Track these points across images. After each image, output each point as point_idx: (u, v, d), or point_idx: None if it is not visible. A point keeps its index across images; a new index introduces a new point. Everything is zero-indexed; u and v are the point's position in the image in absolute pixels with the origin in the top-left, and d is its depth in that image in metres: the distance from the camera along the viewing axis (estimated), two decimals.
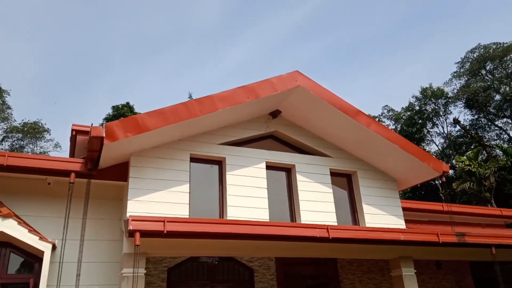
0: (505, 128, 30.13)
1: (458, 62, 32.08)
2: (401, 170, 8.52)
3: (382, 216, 8.24)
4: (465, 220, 10.55)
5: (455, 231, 7.67)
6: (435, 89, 31.77)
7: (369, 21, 60.34)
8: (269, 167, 7.75)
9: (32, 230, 6.17)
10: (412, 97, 32.75)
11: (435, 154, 31.14)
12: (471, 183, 20.20)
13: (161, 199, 6.54)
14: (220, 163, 7.42)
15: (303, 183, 7.79)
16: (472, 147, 28.48)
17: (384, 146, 8.00)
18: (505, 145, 25.04)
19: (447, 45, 54.74)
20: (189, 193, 6.89)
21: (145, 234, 5.48)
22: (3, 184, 6.47)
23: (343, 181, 8.56)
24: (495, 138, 30.64)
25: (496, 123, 30.54)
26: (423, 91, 31.94)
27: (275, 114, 8.00)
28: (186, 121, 6.45)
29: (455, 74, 32.17)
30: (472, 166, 20.30)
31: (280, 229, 6.23)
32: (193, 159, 7.19)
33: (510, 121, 29.79)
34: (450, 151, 30.82)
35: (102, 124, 5.72)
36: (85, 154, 6.52)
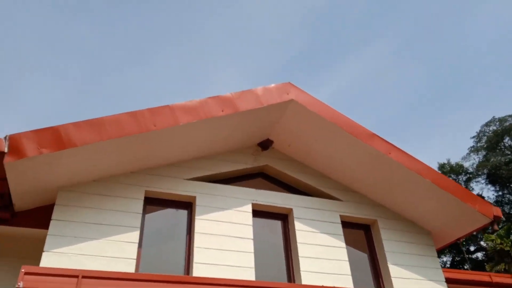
0: None
1: (474, 137, 31.86)
2: (437, 218, 6.39)
3: (416, 281, 5.94)
4: None
5: None
6: (454, 165, 30.69)
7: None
8: (257, 212, 5.75)
9: None
10: None
11: None
12: (506, 264, 17.90)
13: (97, 251, 4.52)
14: (188, 205, 5.47)
15: (304, 233, 5.70)
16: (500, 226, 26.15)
17: (411, 184, 6.00)
18: None
19: (459, 118, 54.17)
20: (139, 244, 4.87)
21: None
22: None
23: (359, 234, 6.41)
24: None
25: None
26: (441, 167, 30.64)
27: (265, 145, 6.20)
28: (138, 143, 4.69)
29: (473, 148, 31.65)
30: (505, 245, 18.48)
31: None
32: (150, 199, 5.27)
33: None
34: (476, 232, 28.13)
35: (5, 137, 3.98)
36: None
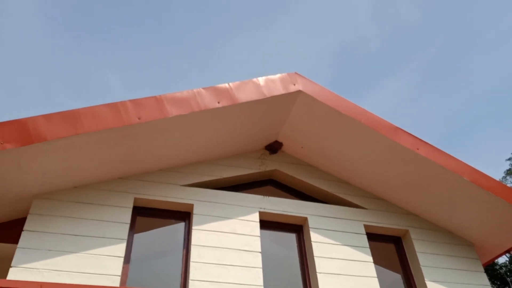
0: None
1: (509, 159, 30.62)
2: (479, 226, 5.42)
3: None
4: None
5: None
6: None
7: None
8: (266, 222, 4.97)
9: None
10: None
11: None
12: None
13: (75, 267, 3.83)
14: (185, 214, 4.75)
15: (322, 246, 4.85)
16: None
17: (445, 185, 5.12)
18: None
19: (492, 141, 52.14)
20: (126, 260, 4.16)
21: None
22: None
23: (389, 247, 5.49)
24: None
25: None
26: None
27: (273, 147, 5.50)
28: (121, 140, 4.09)
29: (508, 171, 30.33)
30: None
31: None
32: (140, 208, 4.60)
33: None
34: None
35: None
36: None
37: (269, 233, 4.96)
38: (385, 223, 5.42)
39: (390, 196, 5.59)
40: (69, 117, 3.80)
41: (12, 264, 3.69)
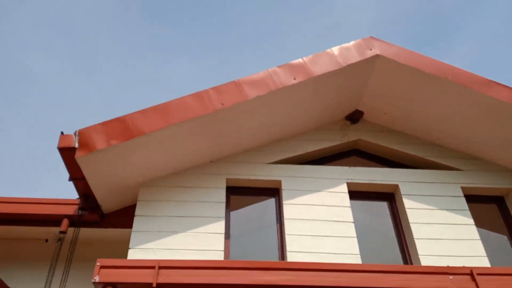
0: None
1: None
2: None
3: None
4: None
5: None
6: None
7: None
8: (355, 193, 4.95)
9: None
10: None
11: None
12: None
13: (183, 245, 4.22)
14: (275, 190, 4.93)
15: (417, 212, 4.72)
16: None
17: None
18: None
19: None
20: (226, 235, 4.47)
21: None
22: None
23: (491, 208, 5.16)
24: None
25: None
26: None
27: (354, 117, 5.42)
28: (207, 126, 4.36)
29: None
30: None
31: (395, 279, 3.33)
32: (232, 188, 4.87)
33: None
34: None
35: (75, 133, 3.96)
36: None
37: (359, 203, 4.94)
38: (485, 183, 5.08)
39: (488, 154, 5.21)
40: (161, 110, 4.14)
41: (130, 246, 4.18)
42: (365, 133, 5.42)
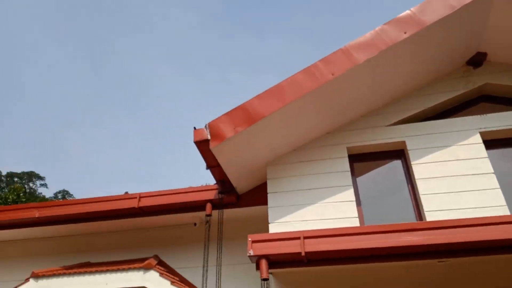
0: None
1: None
2: None
3: None
4: None
5: None
6: None
7: None
8: (490, 141, 4.58)
9: (176, 282, 5.01)
10: None
11: None
12: None
13: (317, 215, 4.42)
14: (399, 152, 4.81)
15: None
16: None
17: None
18: None
19: None
20: (357, 203, 4.53)
21: (276, 261, 3.52)
22: (158, 236, 5.75)
23: None
24: None
25: None
26: None
27: (476, 60, 4.96)
28: (319, 97, 4.42)
29: None
30: None
31: None
32: (354, 156, 4.88)
33: None
34: None
35: (205, 126, 4.36)
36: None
37: (497, 151, 4.56)
38: None
39: None
40: (275, 92, 4.32)
41: (269, 221, 4.51)
42: (492, 75, 4.93)
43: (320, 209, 4.44)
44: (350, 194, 4.47)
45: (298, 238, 3.55)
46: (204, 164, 4.68)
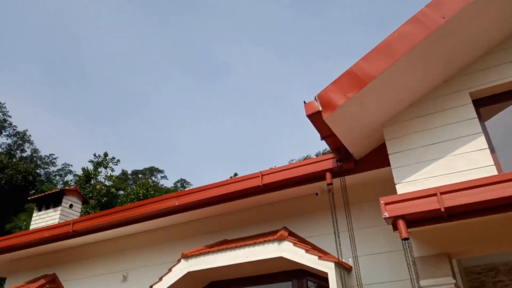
0: None
1: None
2: None
3: None
4: None
5: None
6: None
7: None
8: None
9: (310, 250, 5.25)
10: None
11: None
12: None
13: (447, 169, 4.22)
14: None
15: None
16: None
17: None
18: None
19: None
20: (490, 149, 4.20)
21: (412, 220, 3.51)
22: (283, 209, 6.07)
23: None
24: None
25: None
26: None
27: None
28: (431, 45, 4.14)
29: None
30: None
31: None
32: (478, 100, 4.49)
33: None
34: None
35: (315, 98, 4.40)
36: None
37: None
38: None
39: None
40: (382, 49, 4.16)
41: (395, 182, 4.43)
42: None
43: (450, 163, 4.22)
44: (481, 142, 4.16)
45: (435, 194, 3.45)
46: (318, 135, 4.75)
